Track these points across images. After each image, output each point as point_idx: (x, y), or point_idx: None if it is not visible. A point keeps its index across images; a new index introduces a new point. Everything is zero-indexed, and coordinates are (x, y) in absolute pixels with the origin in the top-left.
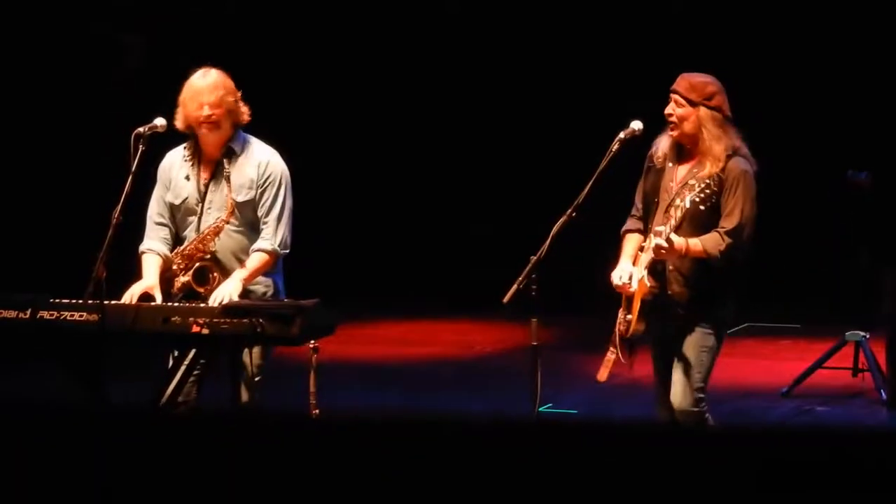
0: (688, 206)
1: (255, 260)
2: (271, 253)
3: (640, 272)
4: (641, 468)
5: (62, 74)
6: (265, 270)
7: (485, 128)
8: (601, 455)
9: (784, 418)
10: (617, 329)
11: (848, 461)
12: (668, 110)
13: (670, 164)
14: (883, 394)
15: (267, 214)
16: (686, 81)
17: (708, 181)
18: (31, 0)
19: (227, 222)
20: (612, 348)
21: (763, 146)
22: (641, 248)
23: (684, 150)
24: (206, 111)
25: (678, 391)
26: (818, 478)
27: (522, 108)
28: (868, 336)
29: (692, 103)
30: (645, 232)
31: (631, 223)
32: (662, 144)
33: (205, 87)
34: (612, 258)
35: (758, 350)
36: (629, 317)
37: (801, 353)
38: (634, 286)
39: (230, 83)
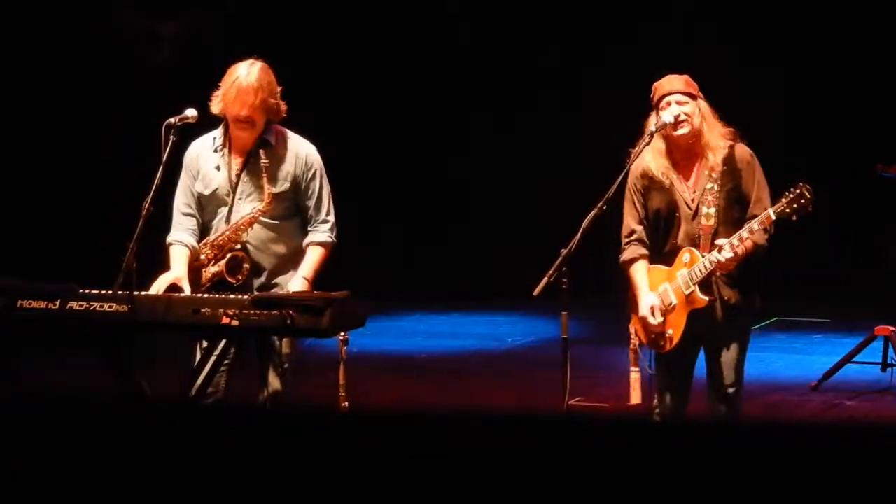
0: (718, 211)
1: (316, 254)
2: (330, 245)
3: (690, 287)
4: (672, 463)
5: (91, 64)
6: (323, 263)
7: (516, 121)
8: (630, 450)
9: (813, 412)
10: (632, 347)
11: (875, 457)
12: (674, 112)
13: (674, 176)
14: None
15: (318, 207)
16: (679, 80)
17: (719, 178)
18: None
19: (264, 213)
20: (633, 369)
21: (794, 139)
22: (662, 261)
23: (681, 157)
24: (245, 112)
25: (722, 390)
26: (845, 474)
27: (553, 100)
28: None
29: (693, 97)
30: (659, 248)
31: (634, 250)
32: (657, 164)
33: (248, 87)
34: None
35: (788, 344)
36: (669, 333)
37: (831, 348)
38: (660, 318)
39: (272, 81)
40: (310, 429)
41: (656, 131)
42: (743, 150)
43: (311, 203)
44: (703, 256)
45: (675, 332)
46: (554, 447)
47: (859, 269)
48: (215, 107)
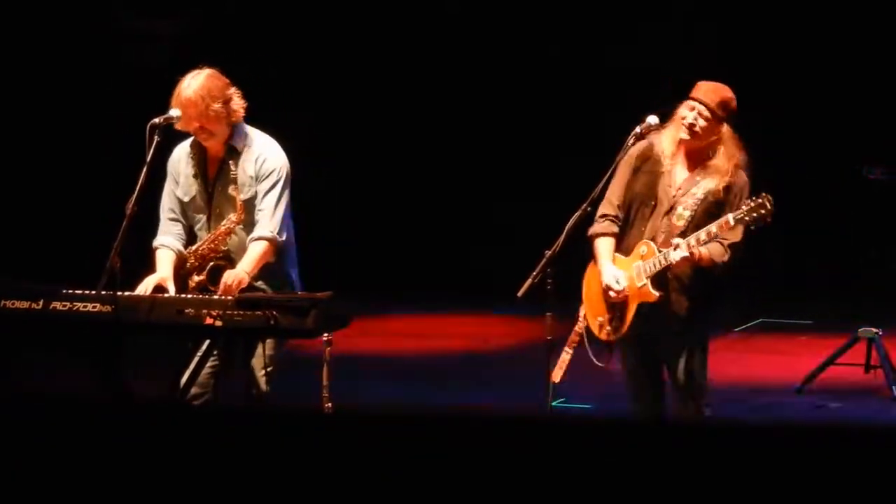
0: (693, 217)
1: (256, 249)
2: (270, 240)
3: (642, 280)
4: (654, 465)
5: (79, 65)
6: (266, 259)
7: (499, 122)
8: (615, 451)
9: (797, 414)
10: (578, 329)
11: (859, 458)
12: (690, 120)
13: (669, 164)
14: (894, 390)
15: (262, 202)
16: (717, 96)
17: (706, 190)
18: None
19: (238, 224)
20: (567, 349)
21: (780, 141)
22: (621, 251)
23: (687, 155)
24: (195, 124)
25: (686, 394)
26: (828, 475)
27: (538, 102)
28: (881, 333)
29: (718, 119)
30: (622, 236)
31: (604, 226)
32: (664, 144)
33: (188, 101)
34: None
35: (772, 346)
36: (614, 322)
37: (815, 350)
38: (624, 285)
39: (217, 86)
40: (294, 430)
41: (640, 132)
42: (741, 178)
43: (258, 199)
44: (659, 252)
45: (626, 321)
46: (537, 448)
47: (844, 272)
48: (178, 125)
